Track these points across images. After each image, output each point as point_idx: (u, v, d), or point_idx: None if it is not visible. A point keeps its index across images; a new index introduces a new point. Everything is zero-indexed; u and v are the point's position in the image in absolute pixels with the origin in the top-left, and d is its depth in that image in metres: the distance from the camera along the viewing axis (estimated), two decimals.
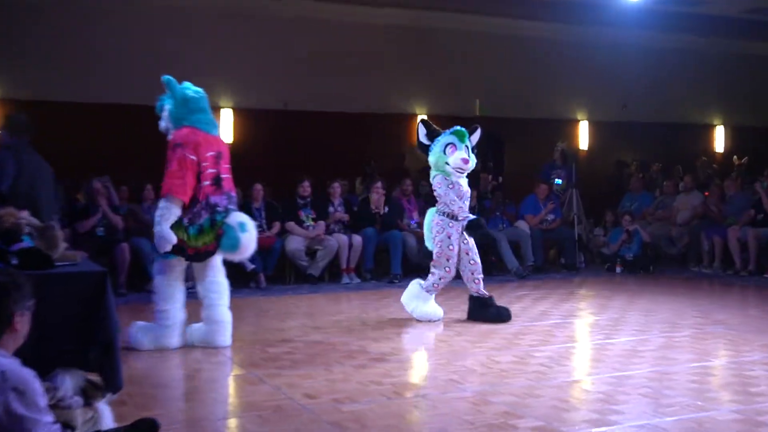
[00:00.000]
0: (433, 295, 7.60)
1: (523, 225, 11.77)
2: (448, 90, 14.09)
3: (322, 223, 10.63)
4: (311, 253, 10.52)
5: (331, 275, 10.63)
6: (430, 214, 7.60)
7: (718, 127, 16.72)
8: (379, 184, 11.09)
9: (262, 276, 10.01)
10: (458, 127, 7.59)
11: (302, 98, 12.98)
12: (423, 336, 7.06)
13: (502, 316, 7.45)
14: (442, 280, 7.50)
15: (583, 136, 15.36)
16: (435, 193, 7.52)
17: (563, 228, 12.10)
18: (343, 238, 10.56)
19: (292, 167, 11.79)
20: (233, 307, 6.47)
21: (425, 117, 8.04)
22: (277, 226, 10.44)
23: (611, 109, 15.39)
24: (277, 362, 5.77)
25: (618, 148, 15.48)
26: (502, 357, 5.96)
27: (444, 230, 7.43)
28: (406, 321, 7.59)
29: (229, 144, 12.44)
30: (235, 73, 12.55)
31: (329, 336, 6.78)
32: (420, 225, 11.11)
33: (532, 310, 8.24)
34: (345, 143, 13.08)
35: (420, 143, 7.58)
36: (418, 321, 7.47)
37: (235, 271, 8.96)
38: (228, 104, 12.64)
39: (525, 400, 4.77)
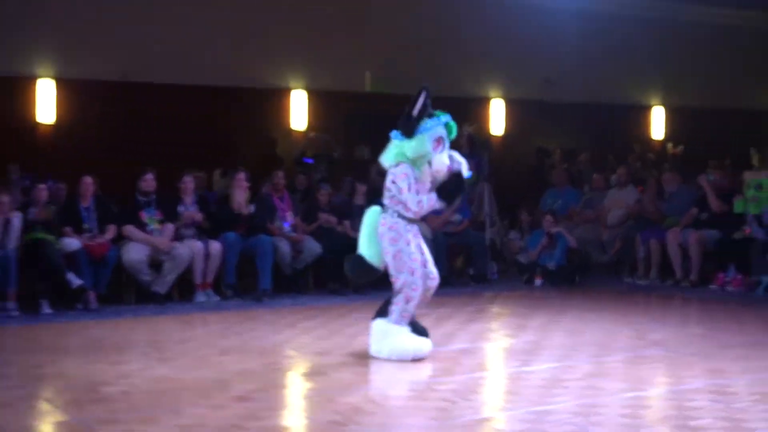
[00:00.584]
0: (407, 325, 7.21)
1: (423, 228, 11.88)
2: (332, 62, 14.14)
3: (170, 226, 10.47)
4: (156, 265, 10.35)
5: (182, 292, 10.48)
6: (374, 214, 7.21)
7: (655, 108, 17.36)
8: (242, 176, 10.99)
9: (93, 294, 9.78)
10: (449, 117, 7.31)
11: (145, 67, 12.76)
12: (298, 367, 7.04)
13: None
14: (411, 303, 7.10)
15: (497, 118, 15.67)
16: (391, 186, 7.10)
17: (472, 231, 12.30)
18: (198, 245, 10.44)
19: (131, 155, 11.56)
20: (54, 335, 6.29)
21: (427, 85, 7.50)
22: (111, 231, 10.22)
23: (531, 85, 15.74)
24: (112, 405, 5.64)
25: (539, 133, 15.87)
26: (397, 391, 6.00)
27: (401, 236, 7.10)
28: (275, 348, 7.55)
29: (51, 125, 12.38)
30: (60, 35, 12.24)
31: (179, 370, 6.68)
32: (296, 228, 11.12)
33: (434, 333, 8.29)
34: (200, 125, 12.94)
35: (411, 116, 7.13)
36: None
37: (57, 288, 8.73)
38: (48, 73, 12.28)
39: None
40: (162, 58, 12.77)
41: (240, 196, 10.94)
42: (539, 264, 12.07)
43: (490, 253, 12.19)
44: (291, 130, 14.18)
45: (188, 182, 10.86)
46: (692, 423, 5.18)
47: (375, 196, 11.98)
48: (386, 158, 7.23)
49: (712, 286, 11.54)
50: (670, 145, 16.39)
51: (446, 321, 9.03)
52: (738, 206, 11.77)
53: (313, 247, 11.07)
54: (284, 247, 10.87)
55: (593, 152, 15.50)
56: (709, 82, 17.48)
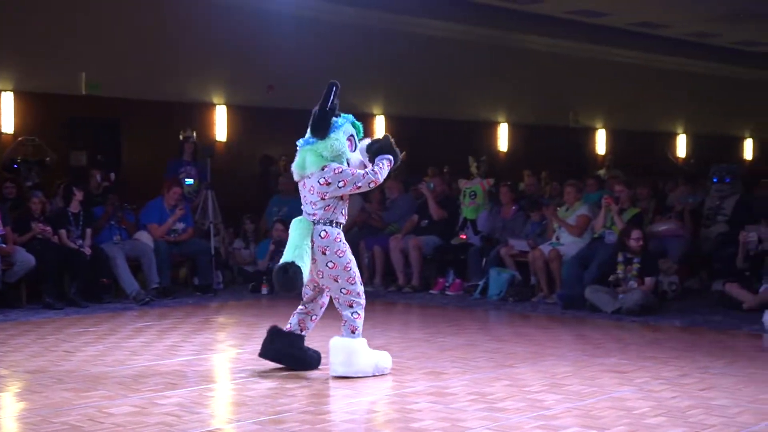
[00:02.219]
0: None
1: (145, 237, 11.68)
2: (44, 63, 13.58)
3: None
4: None
5: None
6: (306, 226, 6.75)
7: (378, 117, 17.94)
8: None
9: None
10: (352, 116, 7.03)
11: None
12: (10, 386, 6.72)
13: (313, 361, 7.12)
14: (360, 316, 6.82)
15: (221, 124, 15.62)
16: (325, 190, 6.70)
17: (196, 240, 12.20)
18: None
19: None
20: None
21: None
22: None
23: (255, 91, 15.82)
24: None
25: (265, 139, 15.95)
26: (118, 408, 5.87)
27: (347, 246, 6.85)
28: None
29: None
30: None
31: None
32: (6, 239, 10.58)
33: (157, 345, 8.21)
34: None
35: (326, 114, 6.77)
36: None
37: None
38: None
39: None
40: None
41: None
42: (267, 273, 12.13)
43: (215, 263, 12.12)
44: (0, 134, 13.50)
45: None
46: (414, 425, 5.41)
47: (91, 205, 11.68)
48: (309, 165, 6.78)
49: (433, 291, 12.06)
50: None
51: (170, 333, 8.92)
52: (467, 214, 12.40)
53: (25, 259, 10.55)
54: None
55: None
56: (428, 92, 18.27)
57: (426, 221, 12.54)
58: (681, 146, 24.48)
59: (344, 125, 6.88)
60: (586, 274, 10.58)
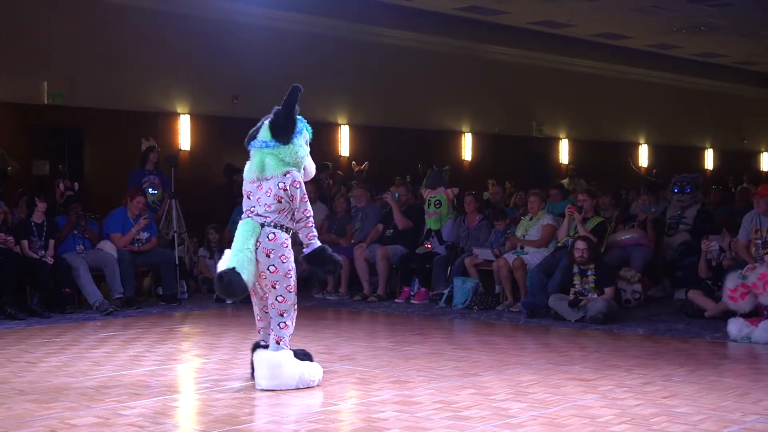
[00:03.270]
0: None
1: (108, 247, 11.60)
2: (4, 71, 13.48)
3: None
4: None
5: None
6: (253, 228, 6.62)
7: (342, 126, 17.95)
8: None
9: None
10: (305, 120, 6.87)
11: None
12: None
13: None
14: (288, 327, 6.70)
15: (185, 133, 15.57)
16: (281, 195, 6.60)
17: (160, 249, 12.13)
18: None
19: None
20: None
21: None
22: None
23: (220, 101, 15.80)
24: None
25: (229, 149, 15.90)
26: (81, 419, 5.82)
27: (291, 252, 6.69)
28: None
29: None
30: None
31: None
32: None
33: (121, 356, 8.15)
34: None
35: (291, 120, 6.65)
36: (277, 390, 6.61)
37: None
38: None
39: None
40: None
41: None
42: None
43: (179, 272, 12.06)
44: None
45: None
46: None
47: (54, 214, 11.58)
48: (269, 169, 6.65)
49: (398, 300, 12.07)
50: (354, 163, 17.02)
51: (134, 343, 8.86)
52: (430, 224, 12.42)
53: None
54: None
55: None
56: (393, 101, 18.33)
57: (390, 230, 12.56)
58: (643, 156, 24.70)
59: (303, 130, 6.81)
60: (550, 282, 10.63)
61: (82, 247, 11.45)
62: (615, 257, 11.40)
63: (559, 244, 11.14)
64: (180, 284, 12.07)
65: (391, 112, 18.32)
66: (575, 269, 10.30)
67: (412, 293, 12.08)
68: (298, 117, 6.79)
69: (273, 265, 6.62)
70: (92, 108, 14.25)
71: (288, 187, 6.63)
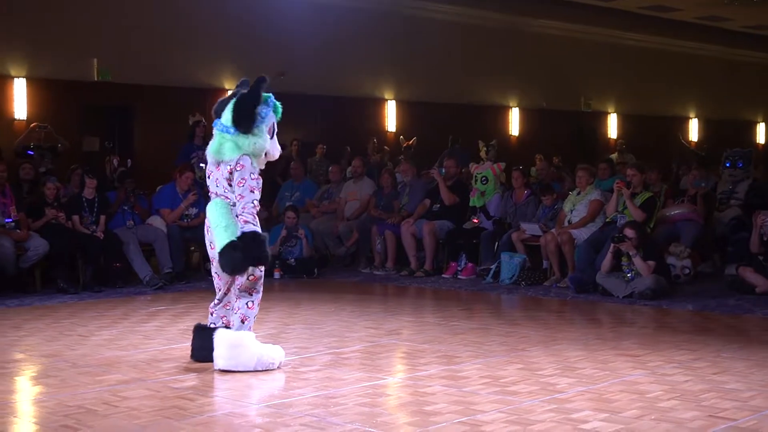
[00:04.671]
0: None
1: (158, 222, 11.71)
2: (52, 47, 13.61)
3: None
4: None
5: None
6: (224, 206, 6.50)
7: (389, 102, 17.93)
8: None
9: None
10: (272, 96, 6.69)
11: None
12: (26, 370, 6.76)
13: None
14: (254, 307, 6.62)
15: None
16: (234, 180, 6.43)
17: None
18: None
19: None
20: None
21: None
22: None
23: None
24: None
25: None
26: (132, 391, 5.89)
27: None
28: (1, 351, 7.20)
29: None
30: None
31: None
32: (20, 224, 10.63)
33: (171, 329, 8.23)
34: None
35: (253, 112, 6.48)
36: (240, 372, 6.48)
37: None
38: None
39: None
40: None
41: None
42: (280, 258, 12.17)
43: None
44: (13, 120, 13.54)
45: None
46: (427, 408, 5.42)
47: (105, 190, 11.72)
48: (226, 152, 6.49)
49: (445, 275, 12.06)
50: (402, 138, 16.99)
51: (184, 318, 8.93)
52: (473, 202, 12.38)
53: (39, 245, 10.58)
54: (6, 244, 10.33)
55: (330, 145, 15.79)
56: (439, 76, 18.24)
57: (437, 206, 12.53)
58: (693, 131, 24.39)
59: (267, 117, 6.60)
60: (598, 258, 10.55)
61: (132, 223, 11.56)
62: (664, 233, 11.29)
63: (608, 220, 11.05)
64: None
65: (439, 87, 18.25)
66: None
67: (459, 268, 12.05)
68: (267, 95, 6.61)
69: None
70: (141, 85, 14.36)
71: (234, 172, 6.45)
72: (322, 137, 16.00)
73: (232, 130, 6.53)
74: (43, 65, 13.64)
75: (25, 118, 13.51)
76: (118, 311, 9.39)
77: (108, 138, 14.18)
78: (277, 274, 12.01)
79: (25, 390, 6.32)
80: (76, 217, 11.09)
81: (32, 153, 12.76)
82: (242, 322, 6.55)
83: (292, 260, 12.17)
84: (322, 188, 14.18)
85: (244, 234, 6.35)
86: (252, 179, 6.46)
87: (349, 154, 15.28)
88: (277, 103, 6.72)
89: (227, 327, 6.68)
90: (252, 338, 6.59)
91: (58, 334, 8.03)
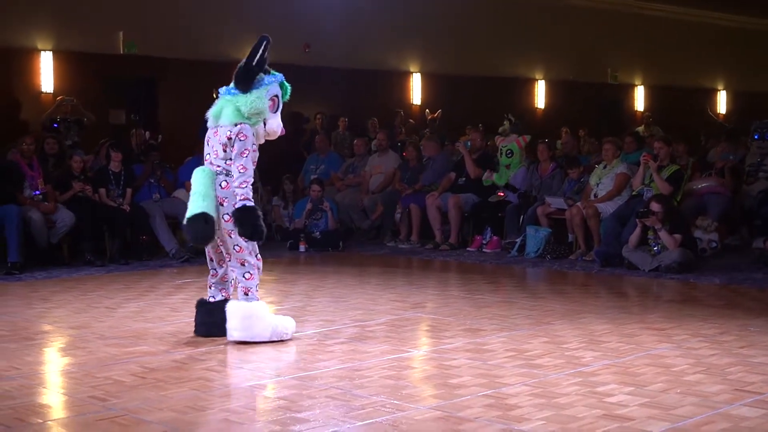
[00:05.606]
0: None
1: (183, 195, 11.74)
2: (78, 20, 13.63)
3: None
4: None
5: None
6: (208, 175, 6.44)
7: (414, 74, 17.86)
8: None
9: None
10: (283, 77, 6.79)
11: None
12: (54, 341, 6.83)
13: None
14: (253, 277, 6.53)
15: None
16: (225, 145, 6.46)
17: None
18: None
19: None
20: None
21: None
22: None
23: (290, 49, 15.79)
24: None
25: (299, 97, 15.93)
26: (159, 363, 5.94)
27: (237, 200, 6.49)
28: (29, 323, 7.28)
29: None
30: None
31: None
32: (48, 197, 10.71)
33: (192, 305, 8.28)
34: None
35: (251, 68, 6.56)
36: (249, 343, 6.46)
37: None
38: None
39: (187, 416, 4.80)
40: None
41: None
42: (306, 231, 12.21)
43: None
44: (40, 93, 13.61)
45: None
46: (452, 381, 5.43)
47: (131, 163, 11.77)
48: (225, 116, 6.55)
49: (470, 249, 12.06)
50: (427, 111, 16.95)
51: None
52: (497, 179, 12.34)
53: (66, 217, 10.67)
54: (35, 217, 10.42)
55: (354, 118, 15.78)
56: (464, 49, 18.15)
57: (463, 179, 12.51)
58: (721, 102, 24.16)
59: (271, 84, 6.64)
60: (625, 231, 10.50)
61: (158, 196, 11.63)
62: (691, 206, 11.22)
63: (634, 193, 10.99)
64: None
65: (464, 60, 18.15)
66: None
67: (484, 242, 12.04)
68: (275, 74, 6.68)
69: (227, 213, 6.44)
70: (166, 58, 14.38)
71: (233, 137, 6.45)
72: (346, 110, 15.98)
73: (232, 90, 6.61)
74: (69, 38, 13.67)
75: (52, 92, 13.56)
76: (144, 284, 9.46)
77: (134, 111, 14.22)
78: (302, 247, 12.05)
79: (54, 361, 6.39)
80: (102, 190, 11.16)
81: (57, 126, 12.82)
82: (246, 294, 6.53)
83: (318, 233, 12.20)
84: (347, 161, 14.19)
85: (241, 208, 6.35)
86: (254, 151, 6.52)
87: (375, 127, 15.25)
88: (287, 84, 6.78)
89: (226, 300, 6.70)
90: (265, 308, 6.62)
91: (85, 306, 8.11)
